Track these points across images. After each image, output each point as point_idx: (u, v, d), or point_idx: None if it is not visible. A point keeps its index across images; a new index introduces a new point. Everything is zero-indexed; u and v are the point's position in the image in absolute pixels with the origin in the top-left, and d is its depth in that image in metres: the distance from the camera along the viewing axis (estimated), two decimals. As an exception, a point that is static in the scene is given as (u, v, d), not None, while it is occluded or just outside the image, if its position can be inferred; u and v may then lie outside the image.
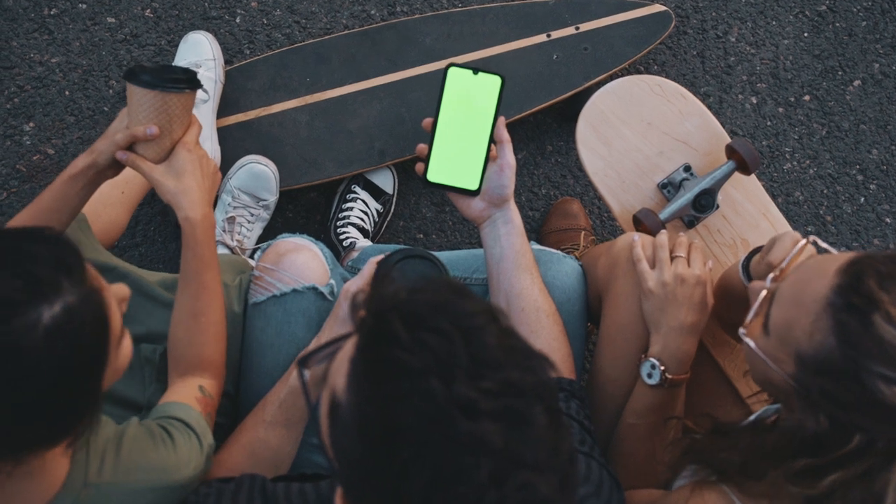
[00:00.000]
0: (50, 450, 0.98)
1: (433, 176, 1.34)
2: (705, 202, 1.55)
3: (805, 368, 1.00)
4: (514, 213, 1.37)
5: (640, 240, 1.38)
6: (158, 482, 1.10)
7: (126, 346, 1.01)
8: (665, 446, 1.25)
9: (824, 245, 1.18)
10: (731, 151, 1.55)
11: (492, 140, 1.33)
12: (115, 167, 1.32)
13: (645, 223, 1.51)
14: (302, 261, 1.41)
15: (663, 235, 1.38)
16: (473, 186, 1.35)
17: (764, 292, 1.11)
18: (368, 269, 1.30)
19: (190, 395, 1.26)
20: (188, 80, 1.28)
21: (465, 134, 1.33)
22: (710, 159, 1.64)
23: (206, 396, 1.29)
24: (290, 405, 1.30)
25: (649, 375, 1.30)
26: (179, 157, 1.29)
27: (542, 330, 1.33)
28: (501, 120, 1.34)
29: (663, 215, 1.54)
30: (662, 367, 1.29)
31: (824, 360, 0.97)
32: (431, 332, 0.76)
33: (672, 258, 1.35)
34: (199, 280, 1.30)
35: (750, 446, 1.08)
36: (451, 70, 1.32)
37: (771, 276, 1.15)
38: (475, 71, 1.32)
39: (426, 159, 1.34)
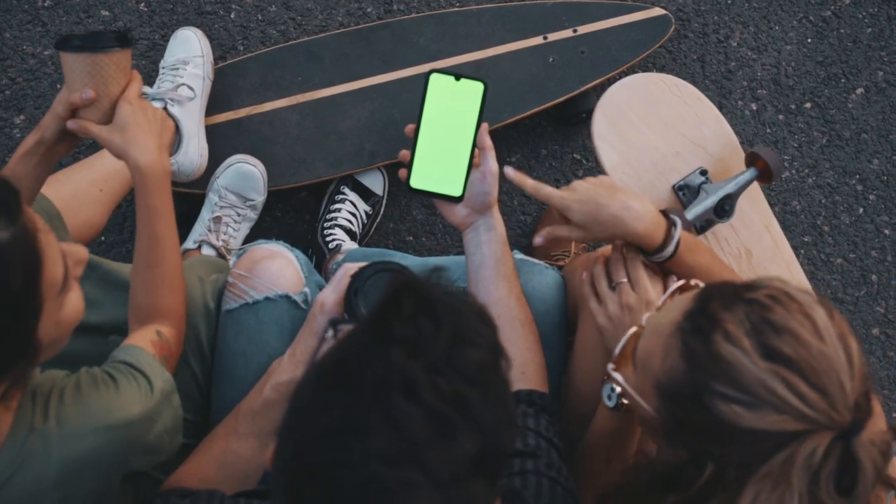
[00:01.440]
0: None
1: (416, 182, 1.32)
2: (728, 207, 1.53)
3: (662, 397, 0.98)
4: (497, 220, 1.35)
5: (587, 277, 1.35)
6: (100, 422, 1.07)
7: (73, 302, 0.99)
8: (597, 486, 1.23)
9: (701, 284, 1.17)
10: (753, 158, 1.52)
11: (475, 146, 1.31)
12: (65, 141, 1.30)
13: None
14: (276, 268, 1.39)
15: (598, 266, 1.34)
16: (457, 193, 1.32)
17: (633, 329, 1.12)
18: (341, 277, 1.27)
19: (146, 338, 1.25)
20: (118, 39, 1.27)
21: (447, 140, 1.31)
22: (722, 167, 1.60)
23: (163, 341, 1.28)
24: (264, 417, 1.28)
25: (609, 397, 1.27)
26: (121, 112, 1.27)
27: (517, 339, 1.31)
28: (484, 126, 1.32)
29: (689, 216, 1.50)
30: (619, 391, 1.26)
31: (674, 385, 0.96)
32: (431, 320, 0.75)
33: (614, 286, 1.31)
34: (152, 230, 1.28)
35: (629, 486, 1.06)
36: (433, 76, 1.29)
37: (646, 315, 1.14)
38: (457, 77, 1.29)
39: (409, 166, 1.32)
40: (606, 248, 1.36)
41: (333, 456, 0.73)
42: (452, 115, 1.30)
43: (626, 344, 1.13)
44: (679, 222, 1.29)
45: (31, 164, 1.29)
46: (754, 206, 1.60)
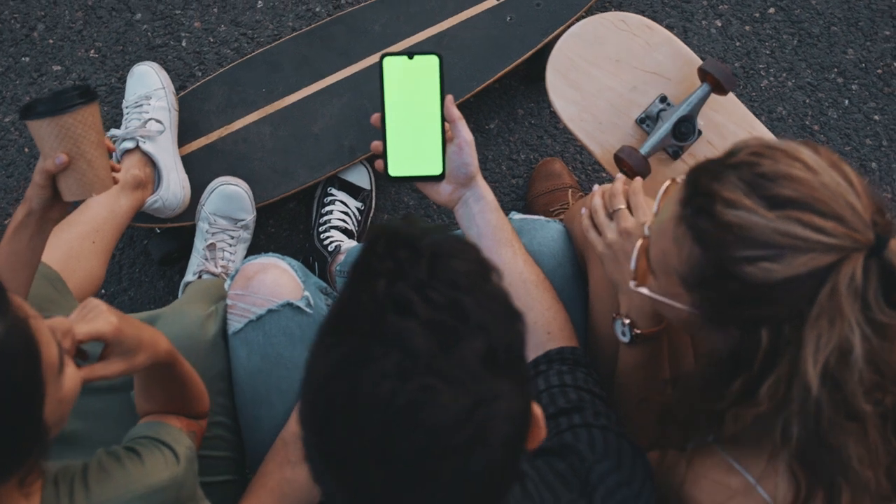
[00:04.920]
0: None
1: (394, 170, 1.26)
2: (686, 129, 1.47)
3: (691, 288, 0.97)
4: (484, 189, 1.28)
5: (586, 212, 1.29)
6: (129, 493, 1.03)
7: (71, 377, 0.94)
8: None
9: None
10: (703, 74, 1.46)
11: (444, 120, 1.25)
12: (55, 207, 1.23)
13: (627, 161, 1.41)
14: (271, 279, 1.32)
15: (597, 197, 1.27)
16: (437, 171, 1.26)
17: (640, 242, 1.10)
18: None
19: (171, 417, 1.20)
20: (81, 95, 1.18)
21: (416, 121, 1.24)
22: (686, 86, 1.54)
23: (191, 419, 1.22)
24: None
25: (623, 334, 1.22)
26: (121, 342, 1.06)
27: (534, 301, 1.24)
28: (449, 98, 1.25)
29: (644, 149, 1.45)
30: (629, 323, 1.20)
31: (698, 271, 0.94)
32: (407, 248, 0.74)
33: (613, 213, 1.24)
34: (172, 373, 1.17)
35: (691, 391, 1.03)
36: (386, 60, 1.22)
37: (647, 224, 1.12)
38: (410, 55, 1.22)
39: (384, 155, 1.25)
40: (605, 185, 1.31)
41: (346, 389, 0.71)
42: (414, 95, 1.24)
43: (639, 257, 1.09)
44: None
45: (26, 237, 1.22)
46: (730, 115, 1.54)
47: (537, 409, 0.81)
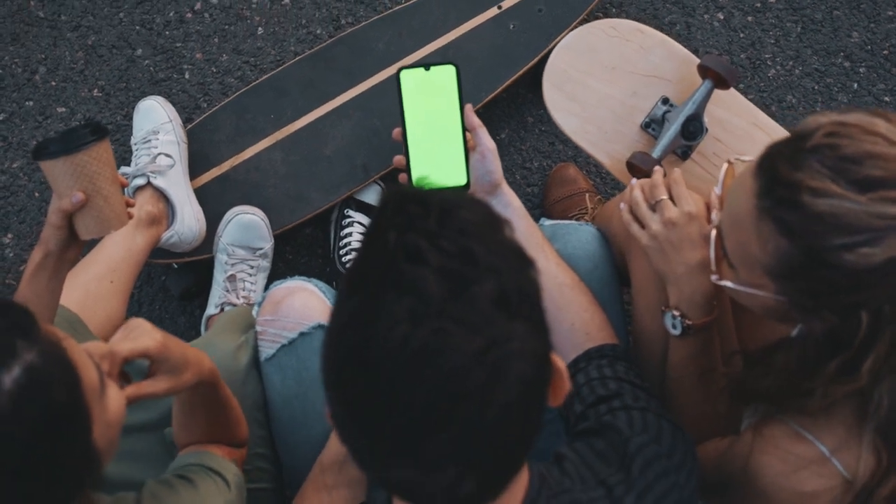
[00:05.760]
0: None
1: (419, 183, 1.23)
2: (694, 128, 1.44)
3: (778, 279, 0.94)
4: (510, 196, 1.26)
5: (625, 206, 1.26)
6: None
7: (114, 399, 0.91)
8: (716, 397, 1.17)
9: (745, 159, 1.10)
10: (704, 70, 1.44)
11: (465, 129, 1.23)
12: (72, 247, 1.19)
13: (640, 166, 1.38)
14: (300, 302, 1.29)
15: (637, 190, 1.24)
16: (462, 182, 1.24)
17: (713, 232, 1.08)
18: None
19: (212, 446, 1.18)
20: (92, 132, 1.15)
21: (437, 132, 1.23)
22: (686, 85, 1.51)
23: (232, 447, 1.19)
24: (350, 465, 1.19)
25: (673, 326, 1.19)
26: (167, 361, 1.04)
27: (570, 304, 1.22)
28: (468, 107, 1.23)
29: (656, 153, 1.42)
30: (679, 315, 1.17)
31: (787, 263, 0.92)
32: (417, 204, 0.74)
33: (655, 204, 1.21)
34: (215, 397, 1.15)
35: (780, 369, 1.01)
36: (403, 73, 1.21)
37: (714, 212, 1.11)
38: (427, 67, 1.21)
39: (406, 169, 1.23)
40: (643, 179, 1.29)
41: (360, 337, 0.71)
42: (433, 106, 1.22)
43: (716, 248, 1.08)
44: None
45: (44, 279, 1.19)
46: (732, 110, 1.51)
47: (559, 362, 0.80)
